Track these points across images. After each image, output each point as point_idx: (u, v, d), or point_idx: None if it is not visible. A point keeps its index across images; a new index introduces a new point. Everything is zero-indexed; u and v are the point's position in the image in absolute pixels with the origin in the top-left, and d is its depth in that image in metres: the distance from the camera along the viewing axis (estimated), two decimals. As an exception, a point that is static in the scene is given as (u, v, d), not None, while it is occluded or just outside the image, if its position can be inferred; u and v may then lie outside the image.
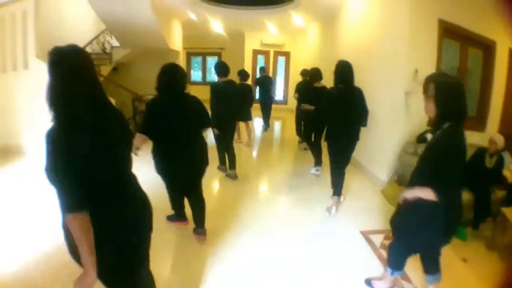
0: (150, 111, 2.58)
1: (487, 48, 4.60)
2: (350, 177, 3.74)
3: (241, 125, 6.55)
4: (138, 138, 2.42)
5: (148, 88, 8.62)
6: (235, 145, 4.88)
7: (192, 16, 8.35)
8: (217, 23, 9.23)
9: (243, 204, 3.86)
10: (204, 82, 12.71)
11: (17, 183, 4.26)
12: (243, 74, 6.19)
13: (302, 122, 5.89)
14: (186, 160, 2.64)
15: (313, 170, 4.96)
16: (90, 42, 7.16)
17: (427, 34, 4.07)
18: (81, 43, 7.02)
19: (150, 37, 6.95)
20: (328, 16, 7.20)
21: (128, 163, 1.47)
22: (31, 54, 5.05)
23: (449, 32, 4.17)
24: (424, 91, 1.99)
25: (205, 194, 2.96)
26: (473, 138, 3.58)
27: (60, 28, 6.47)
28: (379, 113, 4.38)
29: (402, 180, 4.00)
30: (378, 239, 3.16)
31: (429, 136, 4.12)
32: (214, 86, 4.29)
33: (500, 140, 3.27)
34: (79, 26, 7.33)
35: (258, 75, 8.72)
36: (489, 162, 3.34)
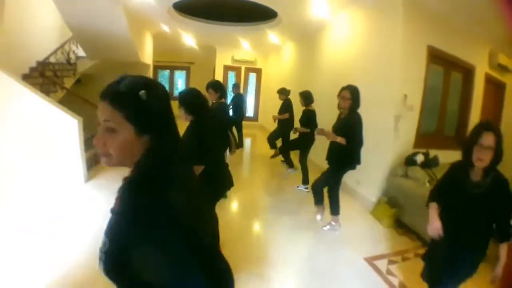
0: (199, 136, 2.40)
1: (467, 72, 4.80)
2: (341, 201, 3.67)
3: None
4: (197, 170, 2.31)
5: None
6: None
7: (165, 28, 7.99)
8: (188, 36, 8.94)
9: (226, 237, 3.43)
10: (170, 96, 12.11)
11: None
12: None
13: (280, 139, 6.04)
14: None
15: (301, 187, 5.01)
16: (55, 52, 6.54)
17: (416, 60, 4.16)
18: (44, 52, 6.40)
19: (121, 48, 6.49)
20: (307, 37, 7.16)
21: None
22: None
23: (435, 57, 4.30)
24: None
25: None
26: (452, 157, 3.64)
27: (23, 34, 5.85)
28: (367, 136, 4.30)
29: (392, 201, 3.99)
30: (382, 264, 3.02)
31: (419, 158, 4.16)
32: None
33: None
34: (43, 33, 6.70)
35: (230, 92, 8.38)
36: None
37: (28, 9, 6.05)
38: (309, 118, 4.79)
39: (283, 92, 6.15)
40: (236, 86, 7.93)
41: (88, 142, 4.91)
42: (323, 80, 6.20)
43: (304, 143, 5.00)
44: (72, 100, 6.02)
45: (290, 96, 5.95)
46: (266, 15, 6.68)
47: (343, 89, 3.27)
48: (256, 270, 2.88)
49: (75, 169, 4.64)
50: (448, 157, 4.10)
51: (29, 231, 3.23)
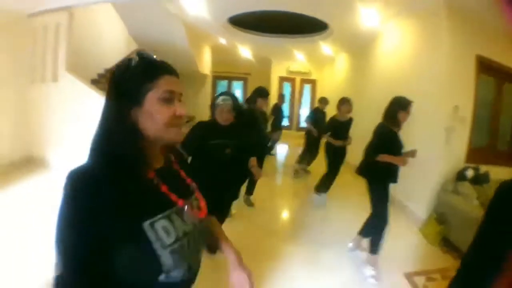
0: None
1: None
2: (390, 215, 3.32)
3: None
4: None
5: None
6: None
7: (222, 41, 8.50)
8: (245, 49, 9.36)
9: (257, 242, 3.60)
10: (228, 106, 12.72)
11: (39, 195, 4.24)
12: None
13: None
14: None
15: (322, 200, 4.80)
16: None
17: (465, 70, 3.97)
18: (112, 61, 7.21)
19: (181, 59, 7.05)
20: (360, 48, 7.14)
21: None
22: (61, 67, 5.08)
23: (485, 67, 4.06)
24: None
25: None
26: (504, 174, 3.37)
27: (93, 43, 6.66)
28: (419, 149, 4.19)
29: (442, 218, 3.78)
30: (421, 280, 2.93)
31: (469, 173, 3.94)
32: None
33: None
34: (111, 43, 7.54)
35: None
36: None
37: (97, 21, 6.85)
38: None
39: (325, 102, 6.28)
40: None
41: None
42: (373, 91, 6.14)
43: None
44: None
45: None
46: (319, 27, 6.83)
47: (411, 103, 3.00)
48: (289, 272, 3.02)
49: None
50: (500, 174, 3.86)
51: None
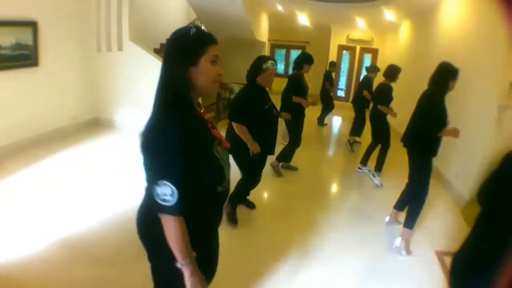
0: None
1: None
2: (433, 192, 3.21)
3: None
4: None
5: (232, 76, 9.02)
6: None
7: (279, 8, 8.40)
8: (303, 16, 9.15)
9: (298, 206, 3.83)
10: (286, 75, 12.64)
11: (107, 154, 4.80)
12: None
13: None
14: None
15: (377, 181, 4.59)
16: (182, 30, 7.67)
17: None
18: (172, 30, 7.57)
19: (238, 27, 7.19)
20: (422, 14, 6.65)
21: None
22: (125, 37, 5.56)
23: None
24: None
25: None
26: None
27: (153, 14, 7.05)
28: (469, 126, 3.97)
29: None
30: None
31: None
32: None
33: None
34: (171, 14, 7.88)
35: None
36: None
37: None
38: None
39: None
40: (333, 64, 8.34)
41: (207, 108, 5.68)
42: (433, 59, 5.77)
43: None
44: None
45: (404, 78, 5.27)
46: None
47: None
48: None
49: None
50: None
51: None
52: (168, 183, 1.01)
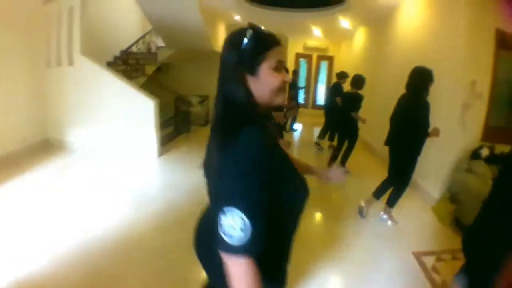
0: None
1: None
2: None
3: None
4: None
5: (190, 89, 8.75)
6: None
7: (237, 18, 8.32)
8: (260, 25, 9.11)
9: None
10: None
11: (57, 179, 4.34)
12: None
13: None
14: None
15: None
16: (136, 42, 7.32)
17: (483, 44, 3.76)
18: (126, 42, 7.20)
19: (196, 38, 6.96)
20: (378, 21, 6.85)
21: None
22: (76, 50, 5.13)
23: (505, 42, 3.79)
24: None
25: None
26: None
27: (106, 26, 6.66)
28: (432, 126, 4.06)
29: (454, 198, 3.72)
30: (429, 261, 2.91)
31: (483, 152, 3.78)
32: None
33: None
34: (125, 25, 7.52)
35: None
36: None
37: (110, 5, 6.84)
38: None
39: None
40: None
41: (165, 123, 5.47)
42: (390, 65, 5.94)
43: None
44: (153, 86, 6.72)
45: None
46: (336, 0, 6.58)
47: None
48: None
49: (150, 144, 5.27)
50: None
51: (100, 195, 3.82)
52: (240, 212, 0.78)
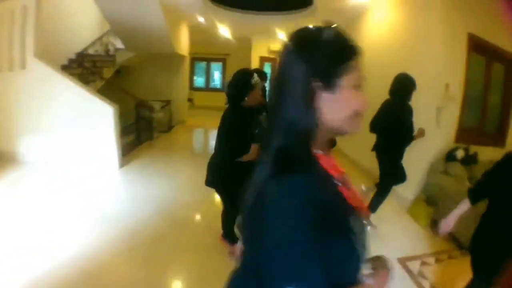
0: None
1: (510, 64, 4.32)
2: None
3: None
4: None
5: (152, 93, 8.33)
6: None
7: (201, 20, 8.05)
8: (224, 28, 8.94)
9: None
10: (207, 88, 12.44)
11: (10, 193, 3.87)
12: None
13: None
14: None
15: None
16: (93, 44, 6.84)
17: (456, 48, 3.85)
18: (83, 44, 6.70)
19: (157, 40, 6.63)
20: (346, 25, 6.88)
21: None
22: (29, 53, 4.67)
23: (476, 46, 3.95)
24: None
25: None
26: (493, 154, 3.47)
27: (62, 26, 6.14)
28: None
29: (430, 200, 3.75)
30: (415, 266, 2.89)
31: (459, 154, 3.86)
32: None
33: None
34: (82, 26, 7.01)
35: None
36: None
37: (66, 3, 6.33)
38: None
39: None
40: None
41: (126, 130, 5.09)
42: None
43: None
44: (111, 90, 6.26)
45: None
46: (303, 3, 6.52)
47: None
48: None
49: (110, 155, 4.86)
50: (489, 154, 3.81)
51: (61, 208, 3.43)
52: None
